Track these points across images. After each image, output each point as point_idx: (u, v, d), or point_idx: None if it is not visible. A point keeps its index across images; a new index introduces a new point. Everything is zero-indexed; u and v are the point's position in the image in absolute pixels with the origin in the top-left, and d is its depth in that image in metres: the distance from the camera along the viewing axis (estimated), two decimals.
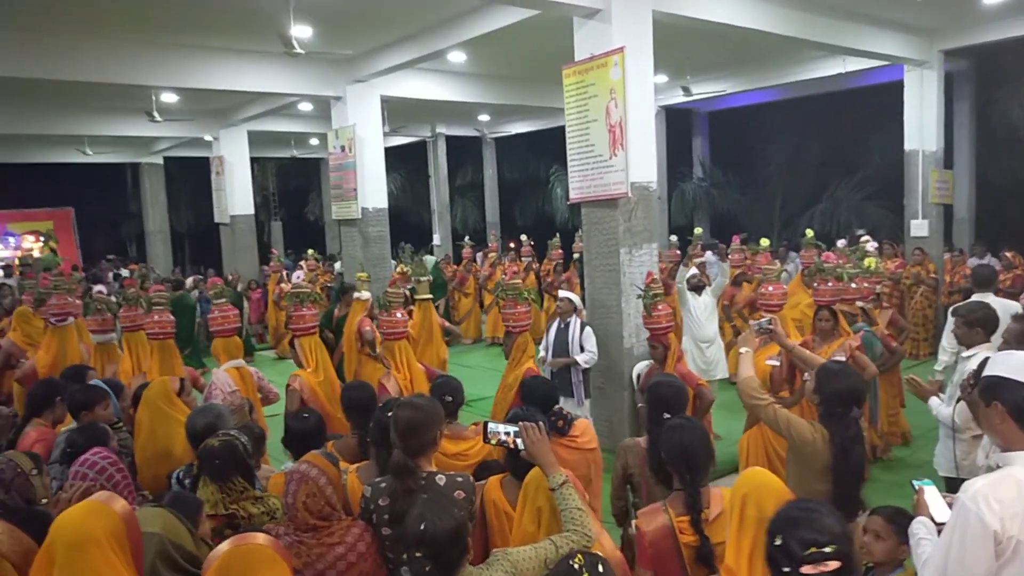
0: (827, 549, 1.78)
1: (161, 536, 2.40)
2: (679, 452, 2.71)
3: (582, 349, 6.22)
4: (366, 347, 6.45)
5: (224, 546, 2.05)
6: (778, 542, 1.85)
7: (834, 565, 1.78)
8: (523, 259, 12.94)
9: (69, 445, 3.27)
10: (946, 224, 11.29)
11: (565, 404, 6.16)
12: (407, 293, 8.45)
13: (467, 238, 15.36)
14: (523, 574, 2.20)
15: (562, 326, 6.37)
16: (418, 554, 2.14)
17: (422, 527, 2.12)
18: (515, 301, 5.56)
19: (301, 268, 13.14)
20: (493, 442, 2.66)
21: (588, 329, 6.31)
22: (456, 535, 2.14)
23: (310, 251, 13.76)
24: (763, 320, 4.19)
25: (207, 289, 11.94)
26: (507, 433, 2.61)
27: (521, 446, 2.55)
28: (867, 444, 4.75)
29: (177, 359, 5.57)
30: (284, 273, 12.77)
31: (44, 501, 2.72)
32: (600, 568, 1.96)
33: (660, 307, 5.28)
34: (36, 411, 4.24)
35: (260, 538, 2.10)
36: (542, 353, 6.43)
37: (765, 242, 9.26)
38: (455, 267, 14.10)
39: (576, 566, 1.94)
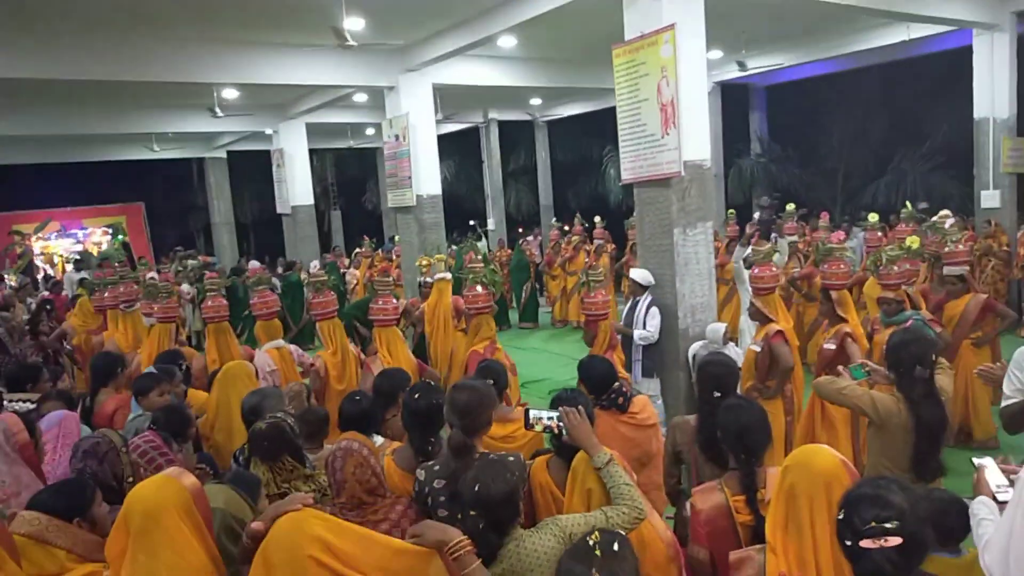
0: (888, 524, 1.72)
1: (224, 511, 2.52)
2: (736, 432, 2.67)
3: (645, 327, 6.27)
4: (463, 322, 6.59)
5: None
6: (841, 516, 1.82)
7: (895, 541, 1.71)
8: (596, 241, 12.83)
9: (153, 423, 3.36)
10: (1019, 194, 10.79)
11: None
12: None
13: (554, 220, 15.18)
14: (572, 540, 2.23)
15: (633, 305, 6.52)
16: (472, 513, 2.24)
17: (476, 488, 2.21)
18: (473, 284, 5.64)
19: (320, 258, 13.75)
20: (538, 428, 2.70)
21: (654, 309, 6.34)
22: (508, 497, 2.22)
23: (396, 237, 13.98)
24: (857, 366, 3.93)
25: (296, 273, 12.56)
26: (550, 418, 2.65)
27: (564, 431, 2.59)
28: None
29: (233, 340, 5.84)
30: (374, 257, 13.34)
31: (130, 479, 2.77)
32: (615, 546, 1.93)
33: (594, 294, 5.26)
34: (103, 381, 4.58)
35: None
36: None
37: (874, 217, 8.86)
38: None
39: (591, 543, 1.94)
